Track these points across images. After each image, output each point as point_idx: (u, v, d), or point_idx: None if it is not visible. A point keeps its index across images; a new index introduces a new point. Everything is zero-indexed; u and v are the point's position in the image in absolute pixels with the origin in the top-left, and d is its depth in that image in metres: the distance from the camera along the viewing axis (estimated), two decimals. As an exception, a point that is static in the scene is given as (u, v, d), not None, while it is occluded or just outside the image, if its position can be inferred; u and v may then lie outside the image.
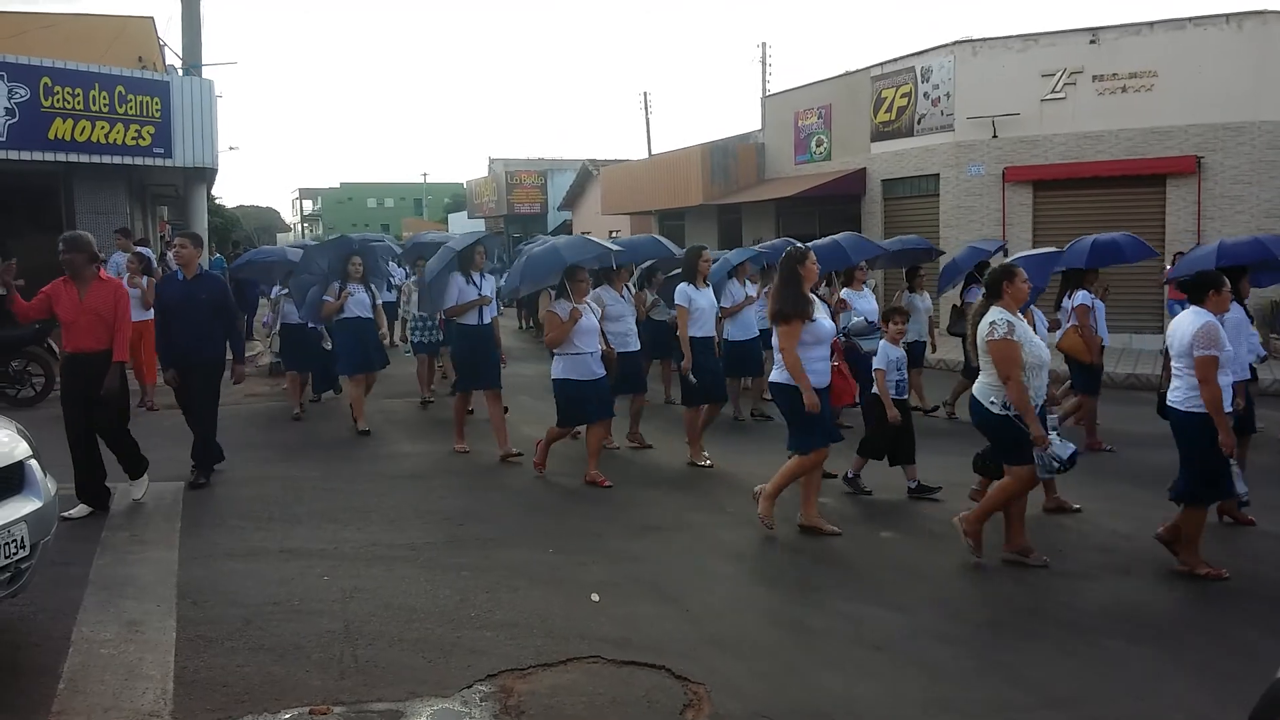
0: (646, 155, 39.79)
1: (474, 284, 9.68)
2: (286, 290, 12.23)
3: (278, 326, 12.44)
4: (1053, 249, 11.06)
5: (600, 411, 8.77)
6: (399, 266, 16.00)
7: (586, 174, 40.22)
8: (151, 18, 23.89)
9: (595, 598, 5.92)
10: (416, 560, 6.62)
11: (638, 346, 9.88)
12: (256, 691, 4.63)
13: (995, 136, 20.60)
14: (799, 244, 7.50)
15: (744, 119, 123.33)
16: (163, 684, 4.69)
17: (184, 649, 5.10)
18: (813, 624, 5.60)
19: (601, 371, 8.78)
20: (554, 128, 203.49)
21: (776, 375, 7.21)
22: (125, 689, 4.64)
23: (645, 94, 52.89)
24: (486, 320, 9.74)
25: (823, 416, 7.07)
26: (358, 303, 11.10)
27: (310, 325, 11.82)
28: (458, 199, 68.13)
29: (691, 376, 9.44)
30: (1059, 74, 20.02)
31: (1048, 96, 20.16)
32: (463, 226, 49.76)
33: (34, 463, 5.09)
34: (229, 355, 8.95)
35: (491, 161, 51.05)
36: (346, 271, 11.13)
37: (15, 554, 4.65)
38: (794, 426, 7.22)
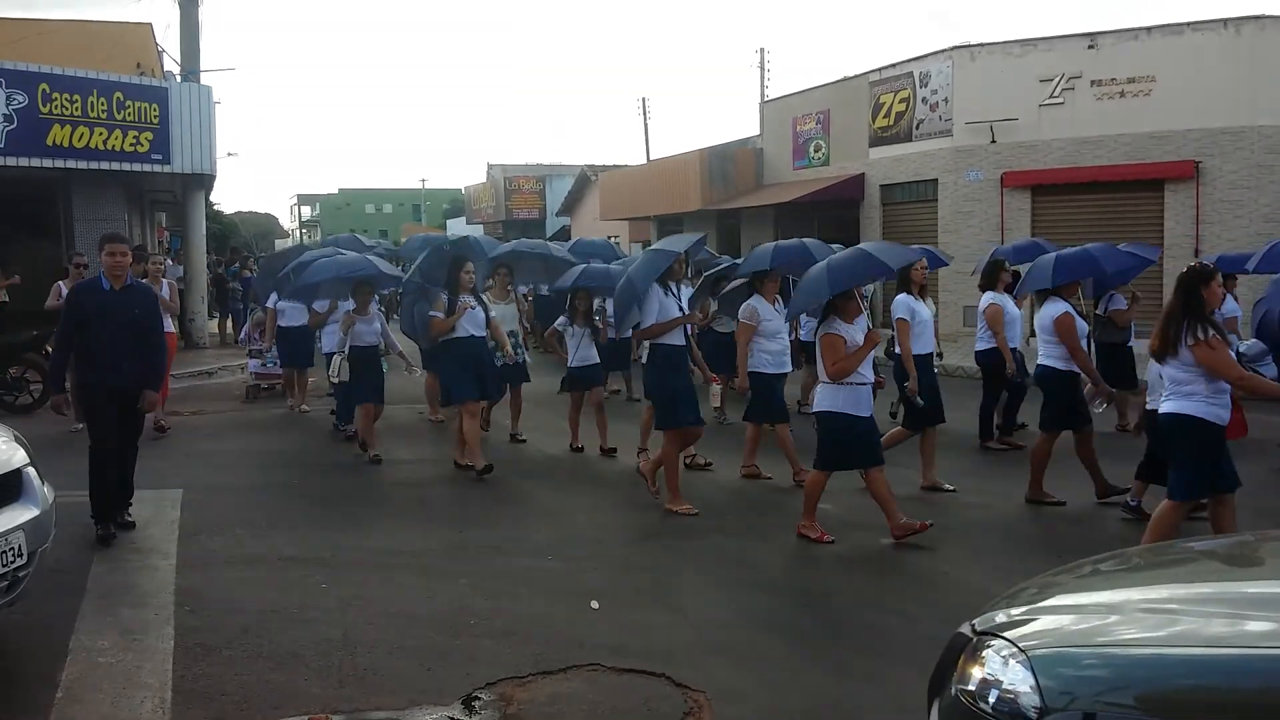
0: (645, 161, 39.79)
1: (674, 296, 8.07)
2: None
3: (346, 349, 10.12)
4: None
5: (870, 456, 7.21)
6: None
7: (585, 180, 40.27)
8: (150, 25, 24.01)
9: (595, 605, 5.89)
10: (416, 567, 6.59)
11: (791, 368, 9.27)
12: (255, 700, 4.61)
13: (994, 141, 20.64)
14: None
15: (742, 125, 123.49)
16: (161, 692, 4.66)
17: (182, 657, 5.07)
18: (814, 631, 5.58)
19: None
20: (552, 134, 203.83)
21: (1184, 406, 5.99)
22: (123, 697, 4.61)
23: (643, 100, 52.86)
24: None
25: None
26: (472, 319, 9.30)
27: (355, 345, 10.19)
28: (456, 204, 68.19)
29: (919, 399, 8.50)
30: (1057, 79, 20.06)
31: (1046, 101, 20.20)
32: (461, 232, 49.79)
33: (31, 470, 5.07)
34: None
35: (490, 167, 51.17)
36: (459, 280, 9.27)
37: (12, 562, 4.63)
38: (1196, 466, 6.04)
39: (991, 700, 2.88)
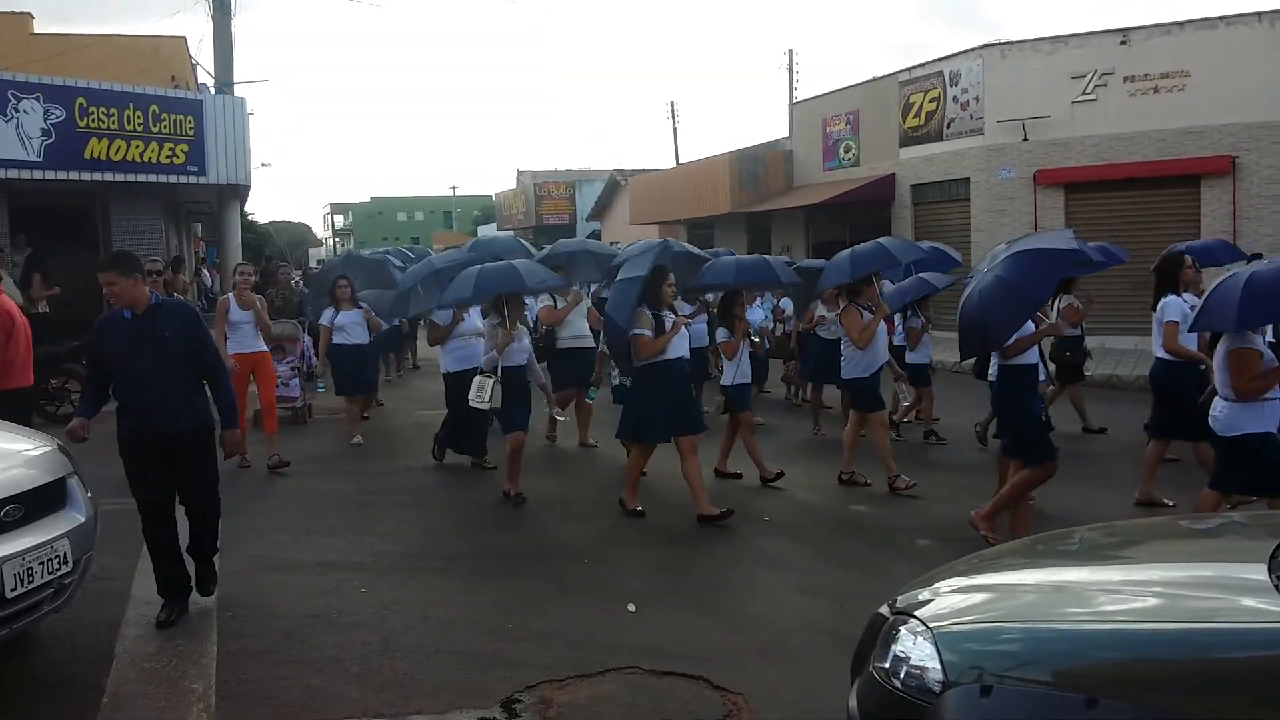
0: (674, 164, 39.81)
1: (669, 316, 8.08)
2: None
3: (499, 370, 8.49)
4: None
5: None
6: None
7: (615, 184, 40.34)
8: (184, 38, 24.24)
9: (632, 608, 5.90)
10: (454, 572, 6.63)
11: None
12: (298, 704, 4.65)
13: (1026, 139, 20.46)
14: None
15: (772, 127, 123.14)
16: (205, 698, 4.72)
17: (226, 662, 5.13)
18: (854, 634, 5.52)
19: None
20: (581, 139, 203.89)
21: None
22: (169, 703, 4.67)
23: (672, 103, 52.99)
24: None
25: None
26: (683, 338, 8.19)
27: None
28: (487, 211, 68.49)
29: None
30: (1089, 75, 19.87)
31: (1078, 98, 20.01)
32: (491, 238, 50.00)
33: (75, 479, 5.14)
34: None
35: (520, 173, 51.38)
36: (661, 294, 7.97)
37: (58, 570, 4.70)
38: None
39: (901, 676, 3.02)
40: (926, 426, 11.23)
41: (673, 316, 7.92)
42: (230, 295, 9.88)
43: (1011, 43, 21.04)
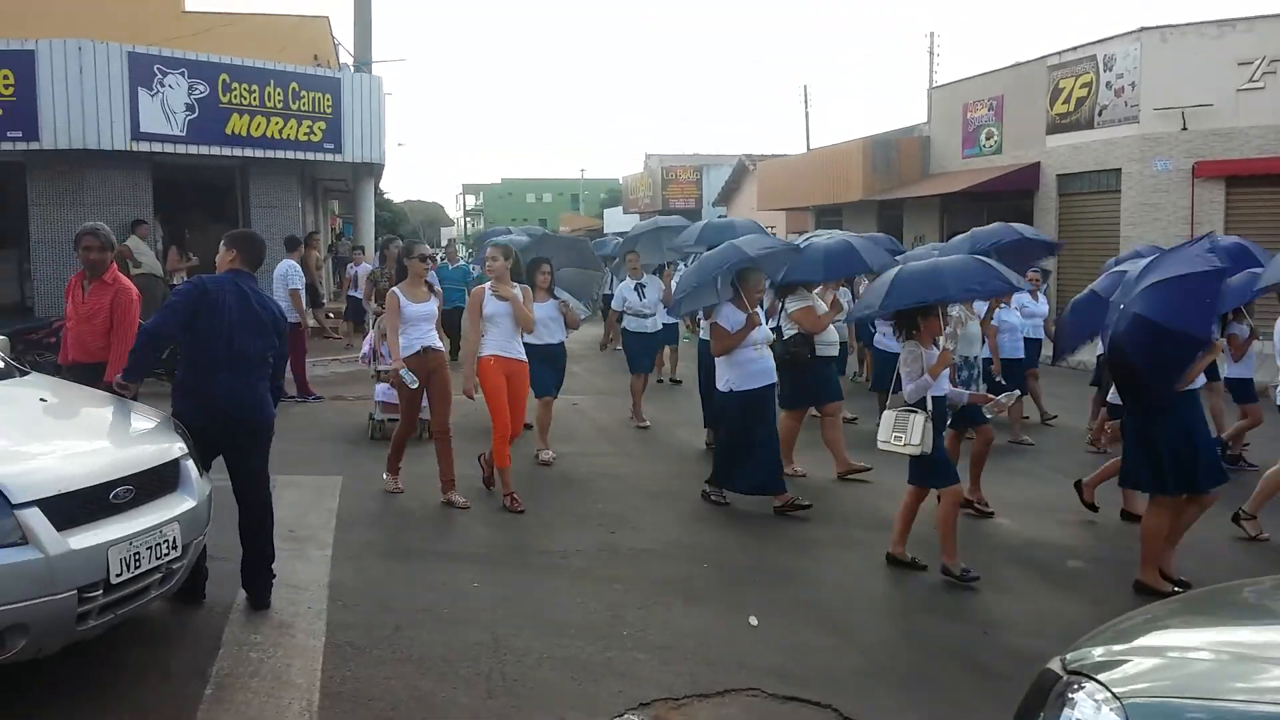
0: (805, 150, 39.03)
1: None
2: None
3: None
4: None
5: None
6: None
7: (742, 169, 39.78)
8: (327, 18, 24.59)
9: (754, 621, 5.55)
10: (568, 569, 6.38)
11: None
12: (401, 708, 4.45)
13: (1185, 129, 19.26)
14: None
15: (908, 112, 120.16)
16: (308, 694, 4.55)
17: (331, 655, 4.97)
18: (994, 665, 5.10)
19: None
20: (711, 123, 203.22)
21: None
22: (271, 697, 4.51)
23: (805, 87, 51.99)
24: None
25: None
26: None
27: None
28: (613, 194, 68.57)
29: None
30: (1258, 62, 18.57)
31: (1244, 86, 18.73)
32: (618, 221, 50.01)
33: (190, 460, 5.04)
34: None
35: (648, 157, 51.19)
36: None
37: (167, 554, 4.58)
38: None
39: None
40: (1233, 450, 9.21)
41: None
42: (487, 286, 7.75)
43: (1173, 26, 19.80)
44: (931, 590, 6.21)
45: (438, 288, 8.20)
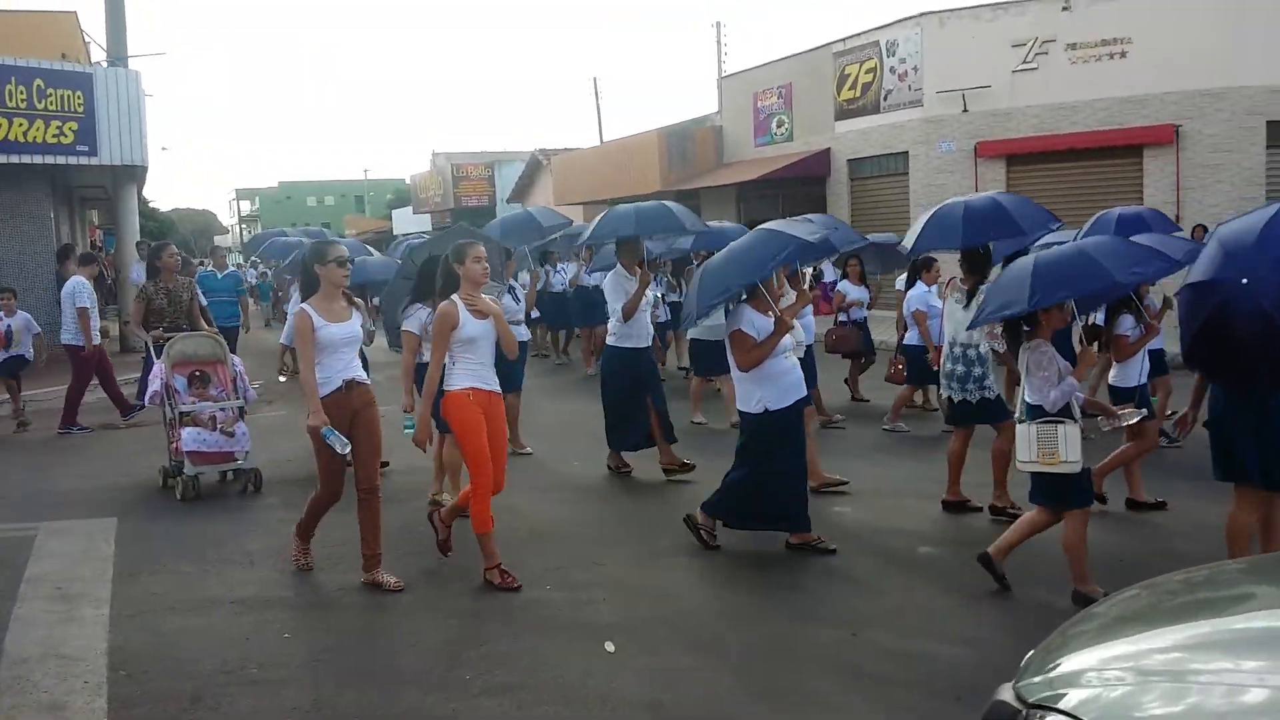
0: (598, 143, 38.76)
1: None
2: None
3: None
4: None
5: None
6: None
7: (536, 164, 39.20)
8: (74, 13, 22.54)
9: (610, 647, 4.98)
10: (395, 606, 5.63)
11: None
12: (208, 804, 3.66)
13: (966, 111, 19.96)
14: None
15: (699, 102, 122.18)
16: (86, 799, 3.70)
17: (115, 742, 4.11)
18: (871, 668, 4.71)
19: None
20: (499, 118, 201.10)
21: None
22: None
23: (594, 79, 51.88)
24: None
25: None
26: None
27: None
28: (400, 195, 66.63)
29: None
30: (1030, 43, 19.40)
31: (1019, 67, 19.54)
32: (408, 223, 48.53)
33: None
34: None
35: (435, 155, 49.91)
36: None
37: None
38: None
39: None
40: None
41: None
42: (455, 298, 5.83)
43: (951, 10, 20.46)
44: (792, 593, 5.81)
45: (358, 299, 6.27)
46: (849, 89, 22.48)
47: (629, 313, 8.22)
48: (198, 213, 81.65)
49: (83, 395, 11.36)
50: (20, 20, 21.40)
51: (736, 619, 5.46)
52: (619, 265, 8.58)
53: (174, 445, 8.27)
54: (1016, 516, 6.25)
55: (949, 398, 7.24)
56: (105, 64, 19.00)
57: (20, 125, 15.30)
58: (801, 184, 23.37)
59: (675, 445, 8.38)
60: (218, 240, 62.07)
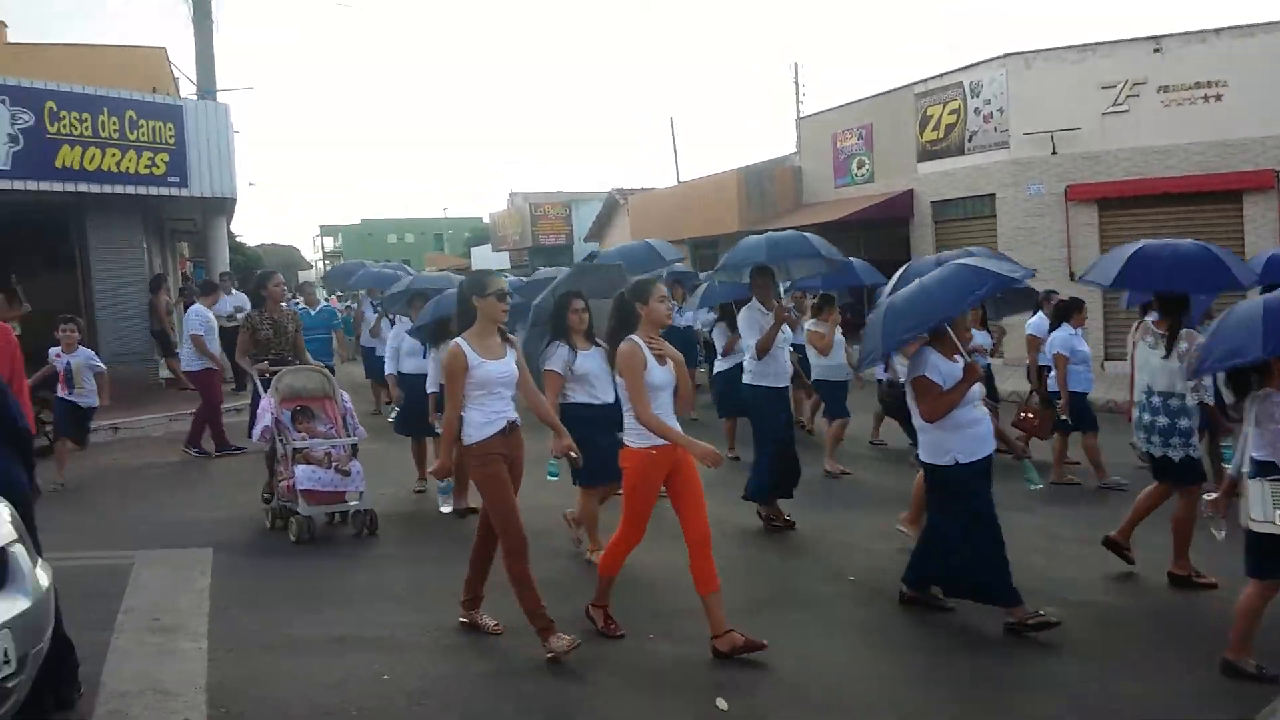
0: (675, 183, 38.78)
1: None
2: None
3: None
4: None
5: None
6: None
7: (614, 203, 39.29)
8: (164, 49, 22.98)
9: (722, 704, 4.73)
10: (495, 650, 5.44)
11: None
12: None
13: (1055, 153, 19.49)
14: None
15: (776, 143, 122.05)
16: None
17: (217, 787, 3.95)
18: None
19: None
20: (576, 159, 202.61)
21: None
22: None
23: (671, 119, 52.07)
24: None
25: None
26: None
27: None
28: (477, 233, 67.38)
29: None
30: (1120, 85, 18.93)
31: (1109, 109, 19.06)
32: (487, 260, 48.90)
33: (19, 548, 3.95)
34: None
35: (513, 195, 50.34)
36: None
37: (-3, 674, 3.51)
38: None
39: None
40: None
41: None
42: (636, 339, 5.41)
43: (1037, 51, 20.07)
44: (902, 651, 5.51)
45: (511, 336, 5.73)
46: (932, 130, 22.14)
47: (763, 349, 7.70)
48: (283, 248, 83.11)
49: (209, 420, 11.64)
50: (110, 54, 21.82)
51: (848, 676, 5.17)
52: (753, 299, 8.06)
53: (285, 483, 7.91)
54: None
55: (1148, 453, 6.55)
56: (195, 97, 19.34)
57: (114, 155, 15.56)
58: (885, 226, 23.01)
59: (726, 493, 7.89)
60: (302, 276, 63.09)
